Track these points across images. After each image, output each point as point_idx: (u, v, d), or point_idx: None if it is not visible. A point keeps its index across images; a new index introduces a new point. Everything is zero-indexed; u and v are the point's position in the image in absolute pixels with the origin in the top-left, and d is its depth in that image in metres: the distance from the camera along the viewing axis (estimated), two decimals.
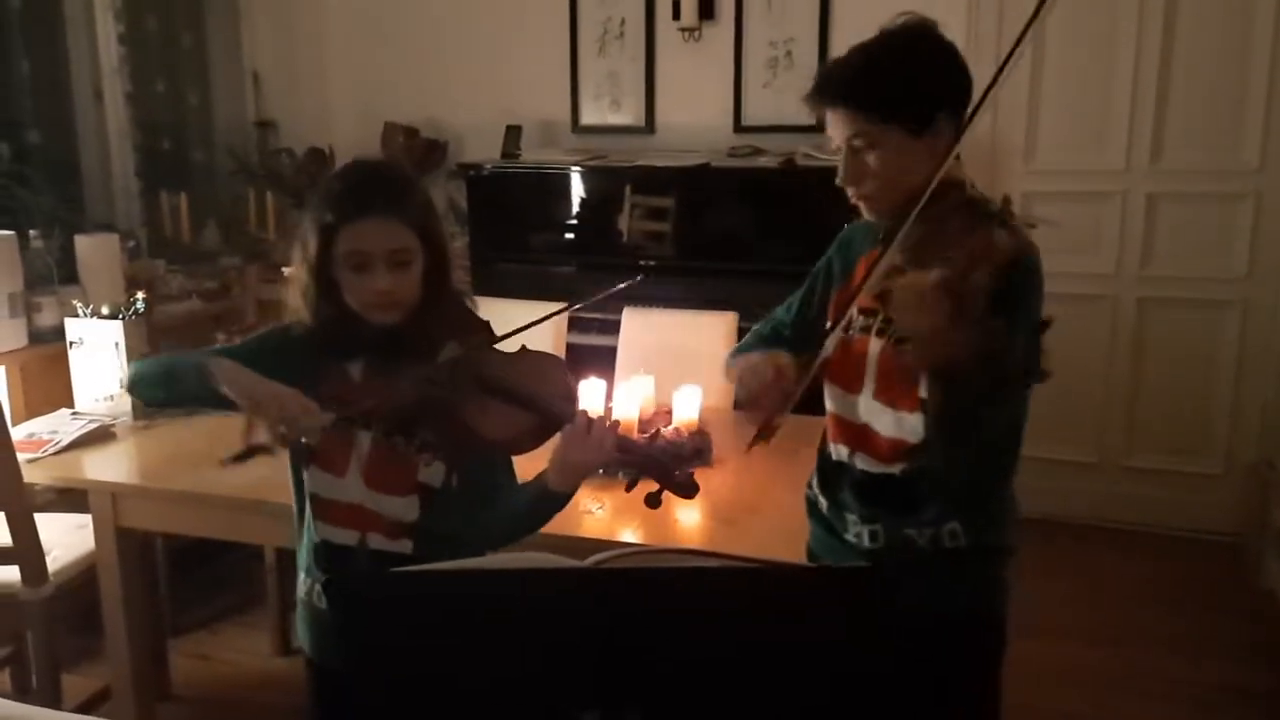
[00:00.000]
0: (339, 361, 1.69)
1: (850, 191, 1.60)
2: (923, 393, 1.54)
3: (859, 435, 1.66)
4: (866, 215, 1.63)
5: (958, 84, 1.56)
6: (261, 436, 1.56)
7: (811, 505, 1.82)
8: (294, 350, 1.69)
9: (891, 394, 1.61)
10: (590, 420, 1.59)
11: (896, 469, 1.62)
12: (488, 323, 1.72)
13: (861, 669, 1.12)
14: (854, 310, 1.64)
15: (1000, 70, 1.46)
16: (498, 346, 1.68)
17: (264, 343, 1.76)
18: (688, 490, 1.59)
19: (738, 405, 1.66)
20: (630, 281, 1.76)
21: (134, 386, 1.75)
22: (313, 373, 1.65)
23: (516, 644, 1.06)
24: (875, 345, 1.62)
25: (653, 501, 1.56)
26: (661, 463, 1.60)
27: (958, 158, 1.52)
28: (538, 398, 1.62)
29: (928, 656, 1.54)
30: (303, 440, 1.64)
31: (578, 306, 1.72)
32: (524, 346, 1.70)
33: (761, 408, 1.61)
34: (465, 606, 1.07)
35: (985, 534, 1.65)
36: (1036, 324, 1.44)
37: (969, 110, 1.53)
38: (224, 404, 1.60)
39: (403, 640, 1.07)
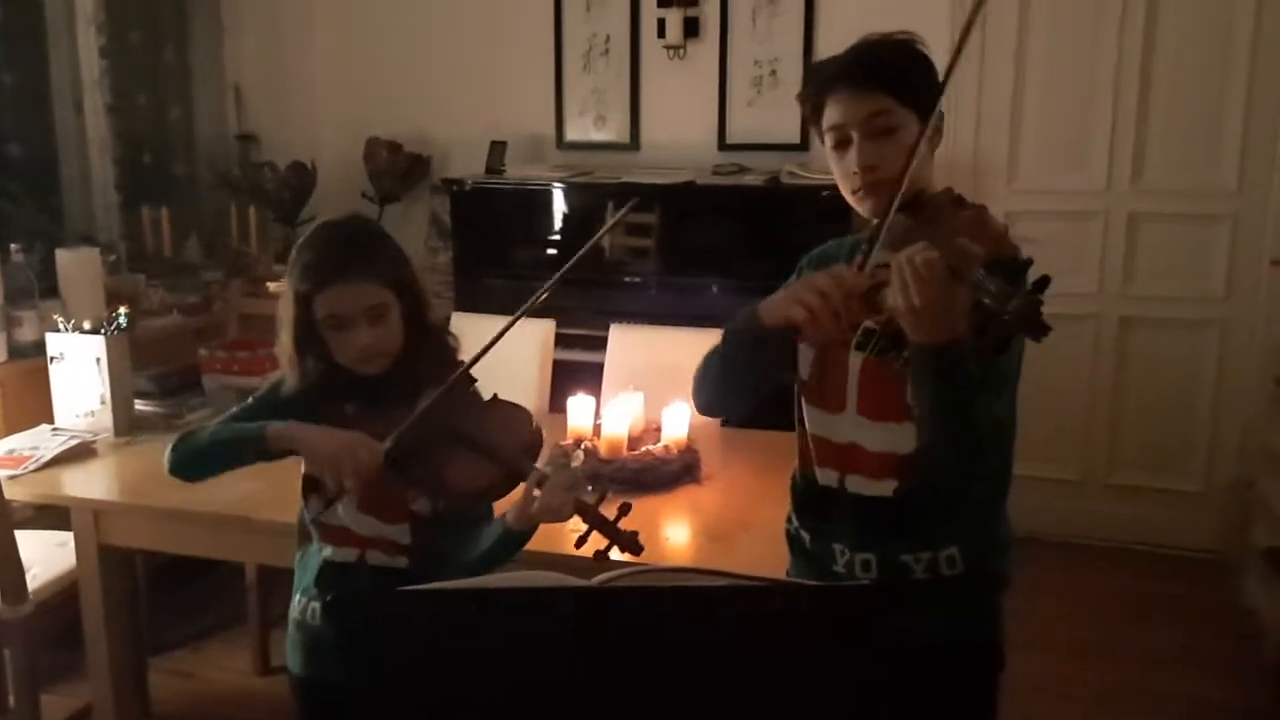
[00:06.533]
0: (335, 404, 1.75)
1: (861, 180, 1.55)
2: (910, 399, 1.51)
3: (846, 456, 1.63)
4: (867, 212, 1.58)
5: (940, 92, 1.57)
6: (345, 484, 1.65)
7: (793, 540, 1.77)
8: (290, 405, 1.75)
9: (877, 407, 1.58)
10: (554, 486, 1.63)
11: (890, 489, 1.59)
12: (465, 364, 1.76)
13: (868, 688, 1.12)
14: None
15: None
16: (477, 379, 1.75)
17: (264, 403, 1.81)
18: (634, 548, 1.62)
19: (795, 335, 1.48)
20: (628, 206, 1.79)
21: (179, 473, 1.79)
22: (310, 414, 1.73)
23: (524, 662, 1.06)
24: (856, 360, 1.60)
25: (600, 557, 1.61)
26: (612, 525, 1.63)
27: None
28: (499, 451, 1.68)
29: (924, 686, 1.52)
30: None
31: (572, 262, 1.71)
32: (495, 396, 1.78)
33: (825, 326, 1.42)
34: (472, 625, 1.07)
35: (983, 560, 1.63)
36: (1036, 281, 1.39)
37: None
38: (274, 458, 1.72)
39: (409, 660, 1.07)
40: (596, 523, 1.63)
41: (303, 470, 1.78)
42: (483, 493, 1.71)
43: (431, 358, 1.76)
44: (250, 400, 1.83)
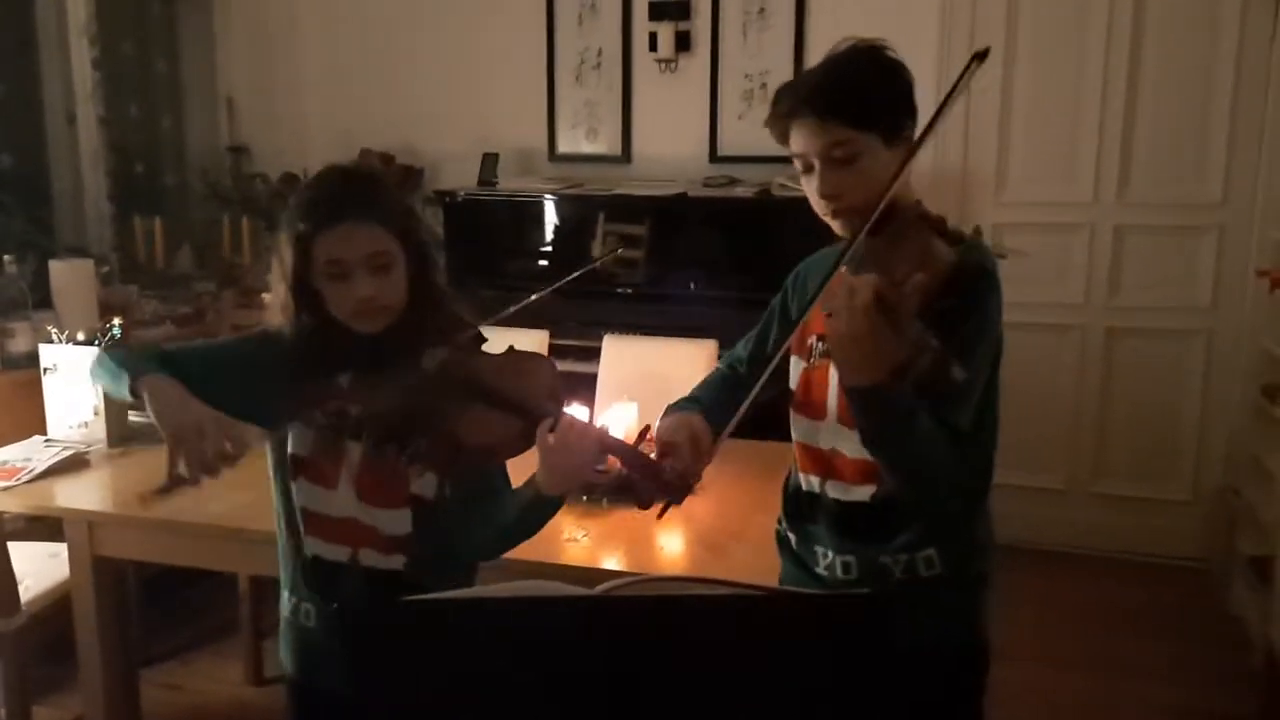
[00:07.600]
0: (327, 373, 1.64)
1: (827, 207, 1.58)
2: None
3: (827, 462, 1.67)
4: (841, 231, 1.60)
5: (913, 99, 1.59)
6: (182, 468, 1.48)
7: (781, 541, 1.81)
8: (280, 362, 1.64)
9: None
10: (571, 421, 1.55)
11: (867, 494, 1.62)
12: (475, 325, 1.69)
13: (855, 693, 1.12)
14: (814, 338, 1.67)
15: (946, 100, 1.50)
16: (485, 346, 1.67)
17: (259, 345, 1.70)
18: (681, 489, 1.55)
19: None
20: (613, 251, 1.78)
21: (92, 374, 1.70)
22: (300, 381, 1.63)
23: (526, 672, 1.06)
24: (836, 372, 1.62)
25: (652, 507, 1.55)
26: (648, 461, 1.56)
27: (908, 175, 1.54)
28: (522, 399, 1.57)
29: (911, 689, 1.53)
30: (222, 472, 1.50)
31: (568, 280, 1.71)
32: (511, 347, 1.67)
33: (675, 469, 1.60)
34: (474, 635, 1.07)
35: (961, 562, 1.65)
36: (994, 337, 1.48)
37: (920, 131, 1.55)
38: None
39: (408, 669, 1.06)
40: (633, 463, 1.54)
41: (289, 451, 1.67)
42: (506, 444, 1.58)
43: (435, 318, 1.64)
44: (238, 336, 1.72)
